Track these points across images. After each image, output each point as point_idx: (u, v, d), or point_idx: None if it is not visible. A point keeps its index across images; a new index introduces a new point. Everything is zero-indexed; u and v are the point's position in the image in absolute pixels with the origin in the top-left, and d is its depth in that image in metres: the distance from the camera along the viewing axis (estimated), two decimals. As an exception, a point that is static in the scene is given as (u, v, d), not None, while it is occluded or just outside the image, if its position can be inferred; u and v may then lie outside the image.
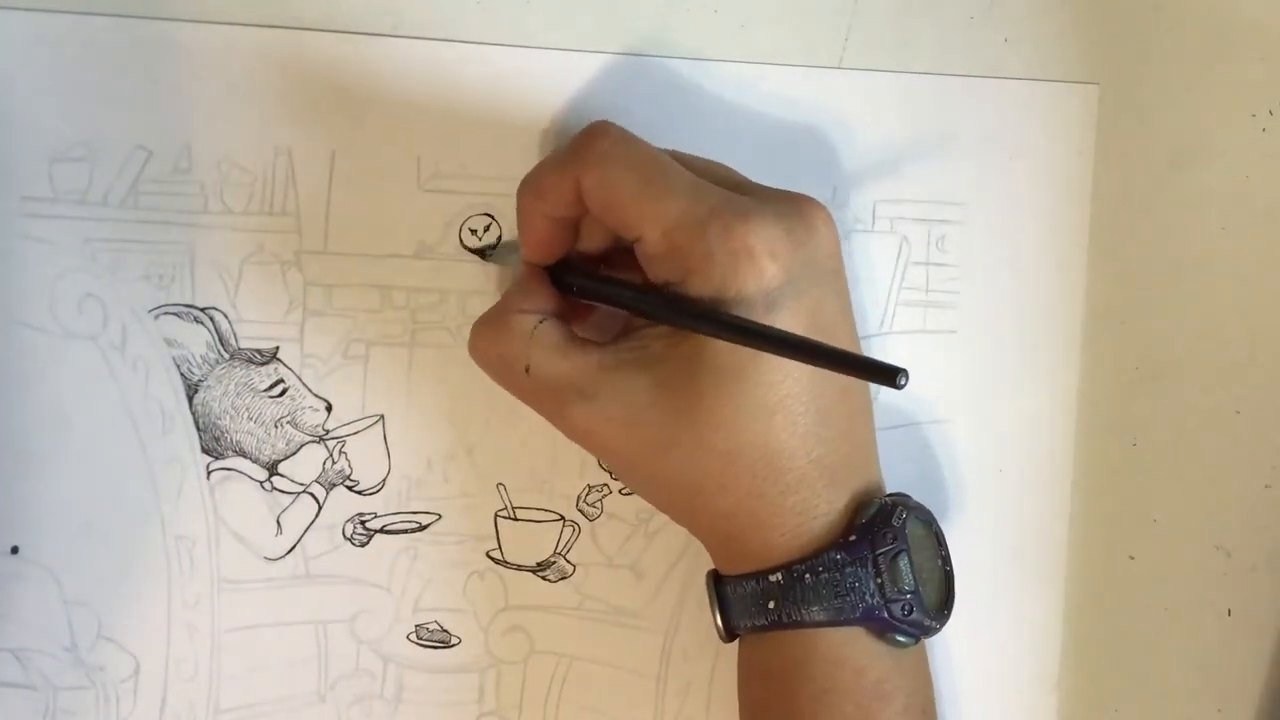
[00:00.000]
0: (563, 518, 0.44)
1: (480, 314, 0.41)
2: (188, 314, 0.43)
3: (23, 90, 0.42)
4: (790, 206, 0.38)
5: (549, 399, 0.39)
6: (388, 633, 0.44)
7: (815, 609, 0.38)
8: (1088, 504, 0.46)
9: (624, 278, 0.40)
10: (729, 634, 0.40)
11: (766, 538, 0.38)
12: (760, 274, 0.36)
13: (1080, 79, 0.45)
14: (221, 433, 0.43)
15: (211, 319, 0.43)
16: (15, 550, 0.43)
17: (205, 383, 0.43)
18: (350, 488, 0.44)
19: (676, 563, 0.45)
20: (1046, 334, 0.45)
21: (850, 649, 0.38)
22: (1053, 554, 0.46)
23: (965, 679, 0.46)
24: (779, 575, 0.38)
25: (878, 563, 0.38)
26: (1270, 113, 0.46)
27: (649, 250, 0.38)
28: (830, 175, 0.44)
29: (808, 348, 0.35)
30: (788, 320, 0.37)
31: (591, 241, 0.41)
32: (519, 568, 0.44)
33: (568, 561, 0.45)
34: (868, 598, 0.38)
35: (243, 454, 0.43)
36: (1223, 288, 0.46)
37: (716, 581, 0.41)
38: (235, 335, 0.43)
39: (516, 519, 0.44)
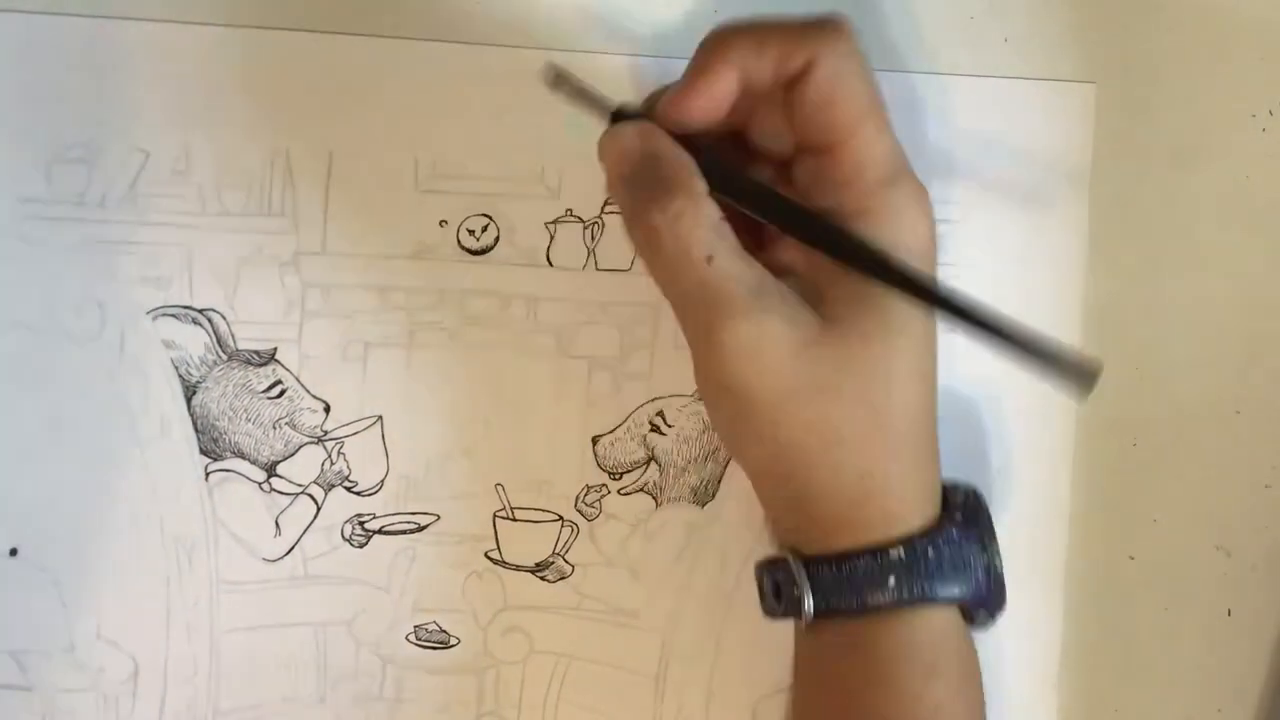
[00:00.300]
0: (561, 518, 0.44)
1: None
2: (186, 315, 0.43)
3: (20, 92, 0.42)
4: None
5: (718, 303, 0.35)
6: (387, 633, 0.44)
7: (948, 585, 0.37)
8: (1088, 504, 0.46)
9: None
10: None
11: (890, 506, 0.37)
12: (925, 249, 0.37)
13: (1078, 78, 0.45)
14: (220, 434, 0.43)
15: (209, 320, 0.43)
16: (14, 552, 0.43)
17: (203, 384, 0.43)
18: (349, 489, 0.44)
19: (675, 562, 0.45)
20: (1046, 331, 0.45)
21: (954, 627, 0.38)
22: (1053, 554, 0.46)
23: None
24: (899, 550, 0.36)
25: (985, 542, 0.38)
26: (1270, 113, 0.46)
27: (829, 170, 0.36)
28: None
29: (1002, 329, 0.34)
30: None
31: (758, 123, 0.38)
32: (518, 568, 0.44)
33: (566, 562, 0.45)
34: (979, 575, 0.37)
35: (241, 455, 0.43)
36: (1222, 287, 0.46)
37: (807, 562, 0.37)
38: (233, 336, 0.43)
39: (515, 519, 0.44)
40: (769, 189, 0.37)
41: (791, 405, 0.36)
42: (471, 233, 0.44)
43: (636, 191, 0.36)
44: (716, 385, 0.37)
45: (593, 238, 0.44)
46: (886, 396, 0.36)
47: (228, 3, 0.42)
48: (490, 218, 0.44)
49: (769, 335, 0.35)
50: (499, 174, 0.43)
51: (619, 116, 0.37)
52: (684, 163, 0.36)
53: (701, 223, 0.35)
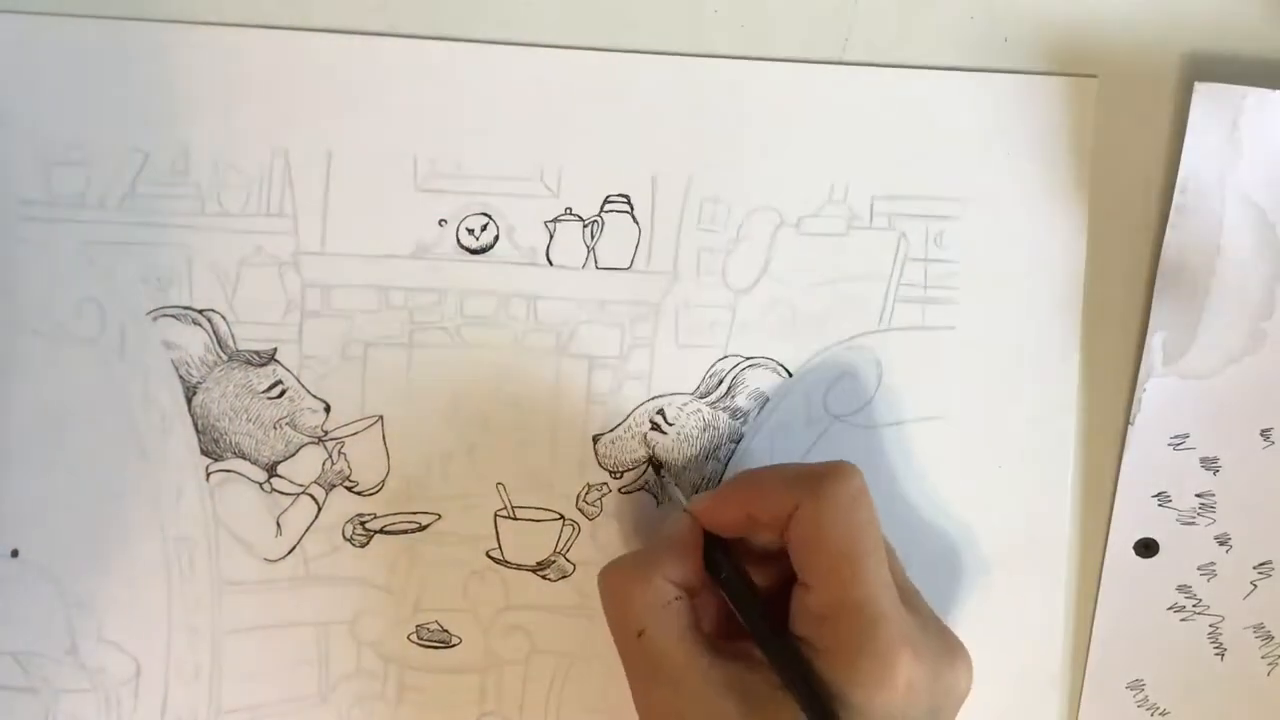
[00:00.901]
0: (562, 517, 0.44)
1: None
2: (186, 316, 0.43)
3: (19, 94, 0.42)
4: (945, 647, 0.39)
5: (644, 669, 0.39)
6: (388, 633, 0.44)
7: None
8: (1089, 498, 0.46)
9: (762, 602, 0.39)
10: None
11: None
12: (889, 701, 0.36)
13: (1079, 72, 0.45)
14: (220, 434, 0.43)
15: (209, 321, 0.43)
16: (15, 553, 0.43)
17: (204, 385, 0.43)
18: (349, 488, 0.44)
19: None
20: (1046, 329, 0.45)
21: None
22: (1055, 548, 0.46)
23: (975, 669, 0.46)
24: None
25: None
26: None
27: (809, 604, 0.38)
28: (828, 171, 0.44)
29: None
30: None
31: (761, 539, 0.41)
32: (519, 567, 0.44)
33: (568, 560, 0.45)
34: None
35: (242, 455, 0.43)
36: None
37: None
38: (233, 337, 0.43)
39: (516, 518, 0.44)
40: (750, 600, 0.39)
41: None
42: (471, 232, 0.44)
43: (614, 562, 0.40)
44: None
45: (592, 236, 0.44)
46: None
47: (224, 4, 0.42)
48: (490, 216, 0.44)
49: (676, 714, 0.37)
50: (498, 173, 0.43)
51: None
52: (668, 552, 0.40)
53: (646, 602, 0.38)
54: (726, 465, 0.45)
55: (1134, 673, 0.46)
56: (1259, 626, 0.46)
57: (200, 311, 0.43)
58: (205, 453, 0.43)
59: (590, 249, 0.44)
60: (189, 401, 0.43)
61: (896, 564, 0.41)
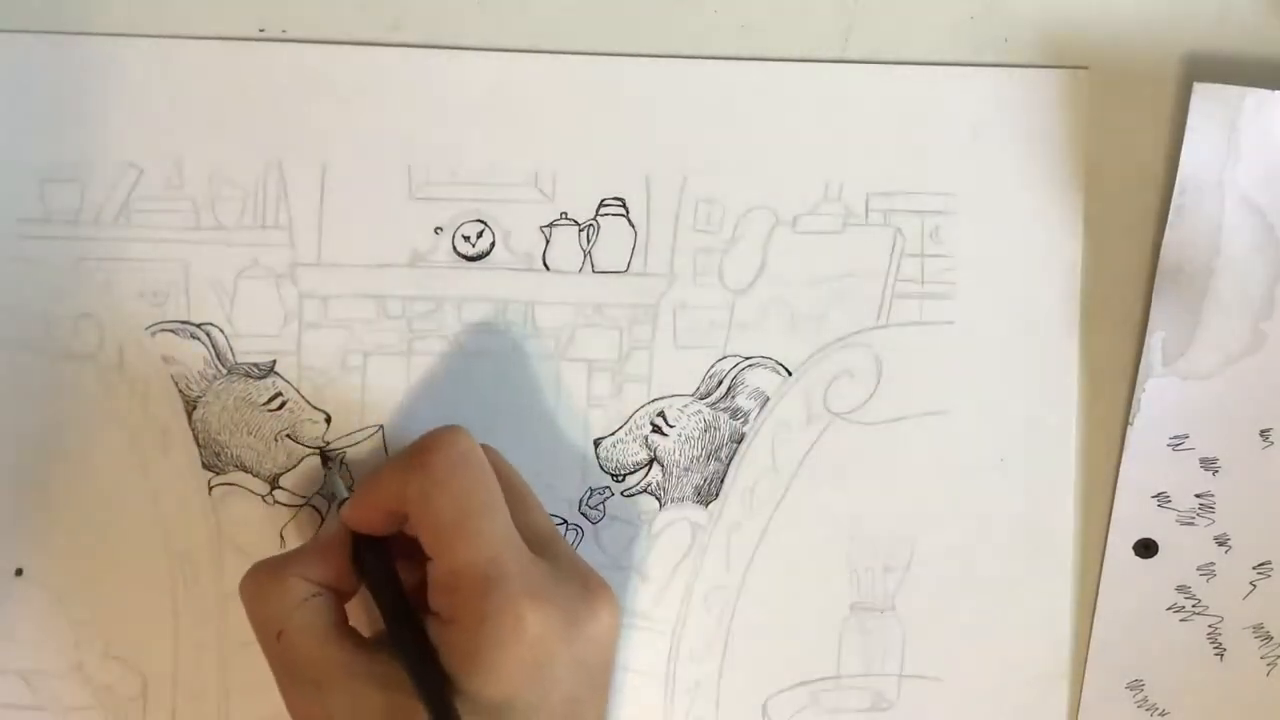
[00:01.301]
0: (565, 521, 0.44)
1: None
2: (184, 330, 0.43)
3: (11, 112, 0.42)
4: (582, 592, 0.38)
5: (286, 669, 0.38)
6: (394, 642, 0.44)
7: None
8: (1089, 499, 0.46)
9: (406, 592, 0.39)
10: None
11: None
12: (520, 657, 0.36)
13: (1071, 64, 0.45)
14: (221, 448, 0.43)
15: (208, 335, 0.43)
16: (20, 572, 0.43)
17: (204, 399, 0.43)
18: (352, 499, 0.44)
19: (681, 562, 0.45)
20: (1045, 321, 0.45)
21: None
22: (1059, 541, 0.46)
23: (974, 669, 0.46)
24: None
25: None
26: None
27: (434, 576, 0.38)
28: (822, 169, 0.44)
29: None
30: (532, 703, 0.36)
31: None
32: (524, 573, 0.44)
33: (572, 565, 0.45)
34: None
35: (244, 468, 0.43)
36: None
37: None
38: (232, 350, 0.43)
39: (519, 524, 0.44)
40: (385, 589, 0.39)
41: None
42: (467, 239, 0.44)
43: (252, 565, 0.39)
44: None
45: (588, 240, 0.44)
46: None
47: (217, 16, 0.42)
48: (485, 223, 0.44)
49: (320, 714, 0.37)
50: (492, 179, 0.43)
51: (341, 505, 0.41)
52: (304, 551, 0.40)
53: (280, 602, 0.38)
54: (728, 465, 0.45)
55: (1133, 673, 0.46)
56: (1258, 627, 0.46)
57: (198, 325, 0.43)
58: (207, 466, 0.43)
59: (586, 253, 0.44)
60: (189, 416, 0.43)
61: (533, 511, 0.41)
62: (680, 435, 0.45)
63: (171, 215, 0.43)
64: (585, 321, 0.44)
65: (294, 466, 0.43)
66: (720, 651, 0.45)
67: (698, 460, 0.45)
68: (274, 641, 0.38)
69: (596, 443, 0.44)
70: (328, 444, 0.43)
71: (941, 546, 0.45)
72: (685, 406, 0.45)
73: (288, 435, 0.43)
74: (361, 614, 0.41)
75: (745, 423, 0.45)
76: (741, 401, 0.45)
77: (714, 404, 0.45)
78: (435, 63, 0.43)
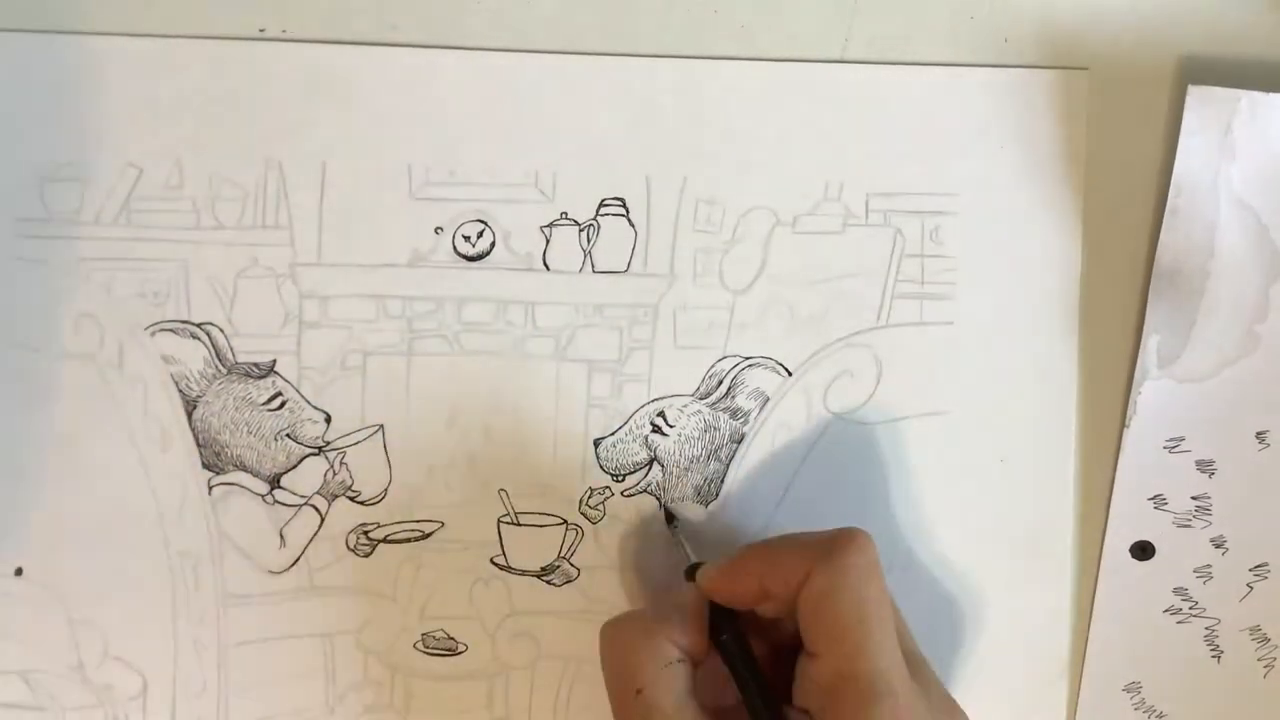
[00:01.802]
0: (565, 521, 0.44)
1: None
2: (184, 330, 0.43)
3: (11, 111, 0.42)
4: (945, 710, 0.39)
5: None
6: (394, 642, 0.44)
7: None
8: (1085, 501, 0.46)
9: (763, 677, 0.39)
10: None
11: None
12: None
13: (1070, 65, 0.45)
14: (222, 448, 0.43)
15: (208, 334, 0.43)
16: (19, 572, 0.43)
17: (204, 398, 0.43)
18: (352, 498, 0.44)
19: (681, 562, 0.45)
20: (1044, 321, 0.45)
21: None
22: (1059, 541, 0.46)
23: (974, 668, 0.46)
24: None
25: None
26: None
27: (814, 673, 0.38)
28: (822, 169, 0.44)
29: None
30: None
31: (769, 610, 0.40)
32: (523, 573, 0.44)
33: (572, 565, 0.45)
34: None
35: (243, 468, 0.43)
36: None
37: None
38: (232, 350, 0.43)
39: (519, 524, 0.44)
40: (749, 669, 0.39)
41: None
42: (467, 239, 0.44)
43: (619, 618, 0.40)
44: None
45: (589, 240, 0.44)
46: None
47: (214, 17, 0.42)
48: (485, 223, 0.44)
49: None
50: (492, 179, 0.43)
51: (691, 573, 0.41)
52: (674, 615, 0.39)
53: (648, 661, 0.38)
54: (728, 465, 0.45)
55: (1131, 675, 0.46)
56: (1255, 628, 0.46)
57: (198, 325, 0.43)
58: (207, 466, 0.43)
59: (587, 253, 0.44)
60: (189, 415, 0.43)
61: (906, 634, 0.41)
62: (680, 435, 0.45)
63: (171, 215, 0.43)
64: (585, 321, 0.44)
65: (294, 466, 0.43)
66: (720, 652, 0.45)
67: (698, 460, 0.45)
68: (631, 697, 0.38)
69: (596, 443, 0.44)
70: (327, 443, 0.43)
71: (942, 546, 0.45)
72: (685, 406, 0.45)
73: (287, 435, 0.43)
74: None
75: (745, 423, 0.45)
76: (741, 401, 0.45)
77: (714, 404, 0.45)
78: (436, 62, 0.43)
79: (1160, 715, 0.46)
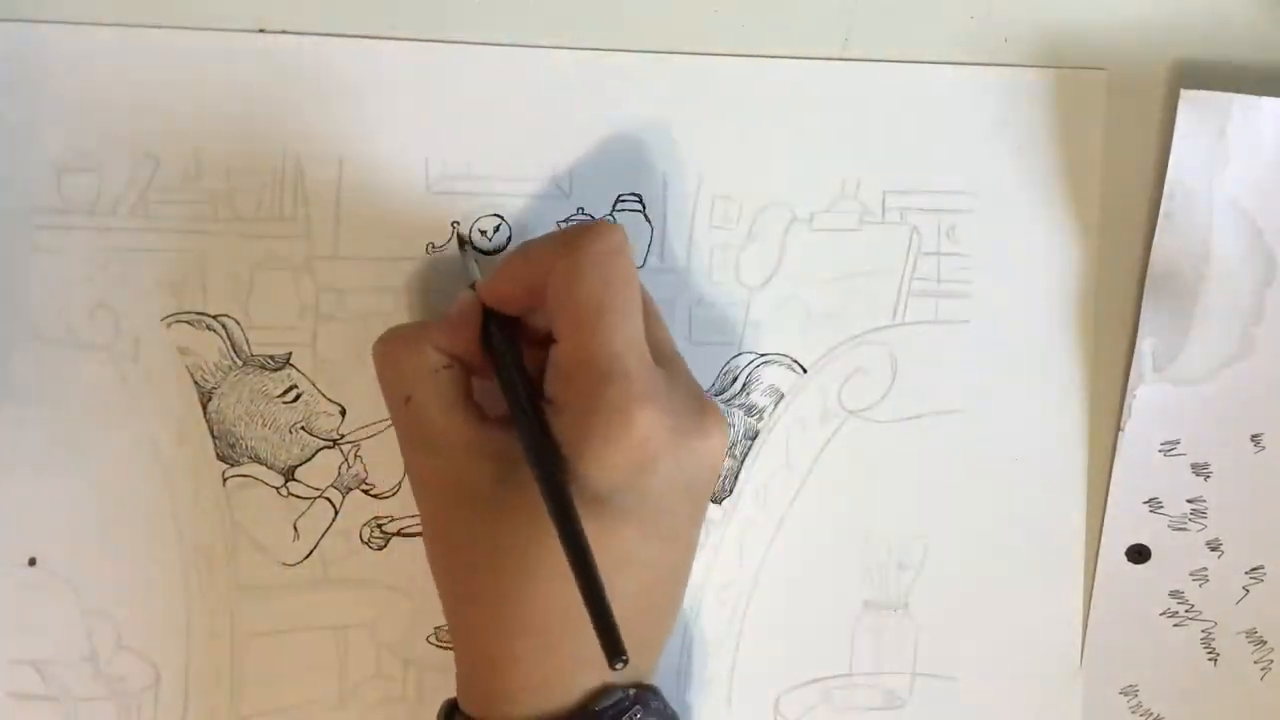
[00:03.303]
0: (580, 517, 0.44)
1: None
2: (200, 322, 0.43)
3: (29, 101, 0.42)
4: (695, 409, 0.38)
5: (410, 434, 0.39)
6: (407, 635, 0.44)
7: None
8: (1088, 494, 0.46)
9: (526, 373, 0.39)
10: None
11: (517, 678, 0.37)
12: (625, 456, 0.36)
13: (1086, 65, 0.45)
14: (237, 439, 0.43)
15: (224, 326, 0.43)
16: (33, 562, 0.43)
17: (219, 390, 0.43)
18: (366, 491, 0.44)
19: (694, 559, 0.45)
20: (1060, 321, 0.45)
21: None
22: (1072, 539, 0.46)
23: (987, 668, 0.46)
24: None
25: None
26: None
27: (557, 359, 0.38)
28: (839, 167, 0.44)
29: (585, 580, 0.34)
30: (629, 502, 0.37)
31: (541, 320, 0.40)
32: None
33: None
34: None
35: (258, 460, 0.43)
36: (1235, 271, 0.46)
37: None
38: (248, 342, 0.43)
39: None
40: (509, 366, 0.39)
41: (452, 539, 0.39)
42: (484, 233, 0.43)
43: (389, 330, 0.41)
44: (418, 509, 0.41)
45: (604, 235, 0.44)
46: (539, 581, 0.37)
47: (234, 8, 0.42)
48: (501, 217, 0.43)
49: (438, 477, 0.39)
50: (509, 174, 0.43)
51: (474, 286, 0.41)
52: (441, 323, 0.40)
53: (413, 369, 0.39)
54: (742, 462, 0.45)
55: (1127, 679, 0.46)
56: (1251, 631, 0.46)
57: (214, 317, 0.43)
58: (221, 458, 0.43)
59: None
60: (204, 407, 0.43)
61: (661, 328, 0.41)
62: (695, 431, 0.45)
63: (189, 206, 0.42)
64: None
65: (309, 458, 0.43)
66: (733, 648, 0.45)
67: (712, 456, 0.45)
68: (402, 405, 0.39)
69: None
70: (342, 436, 0.43)
71: (955, 544, 0.45)
72: (700, 402, 0.44)
73: (302, 428, 0.43)
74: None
75: (760, 419, 0.45)
76: (756, 398, 0.45)
77: (729, 400, 0.45)
78: (450, 58, 0.43)
79: (1158, 718, 0.46)
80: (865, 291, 0.45)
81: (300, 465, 0.43)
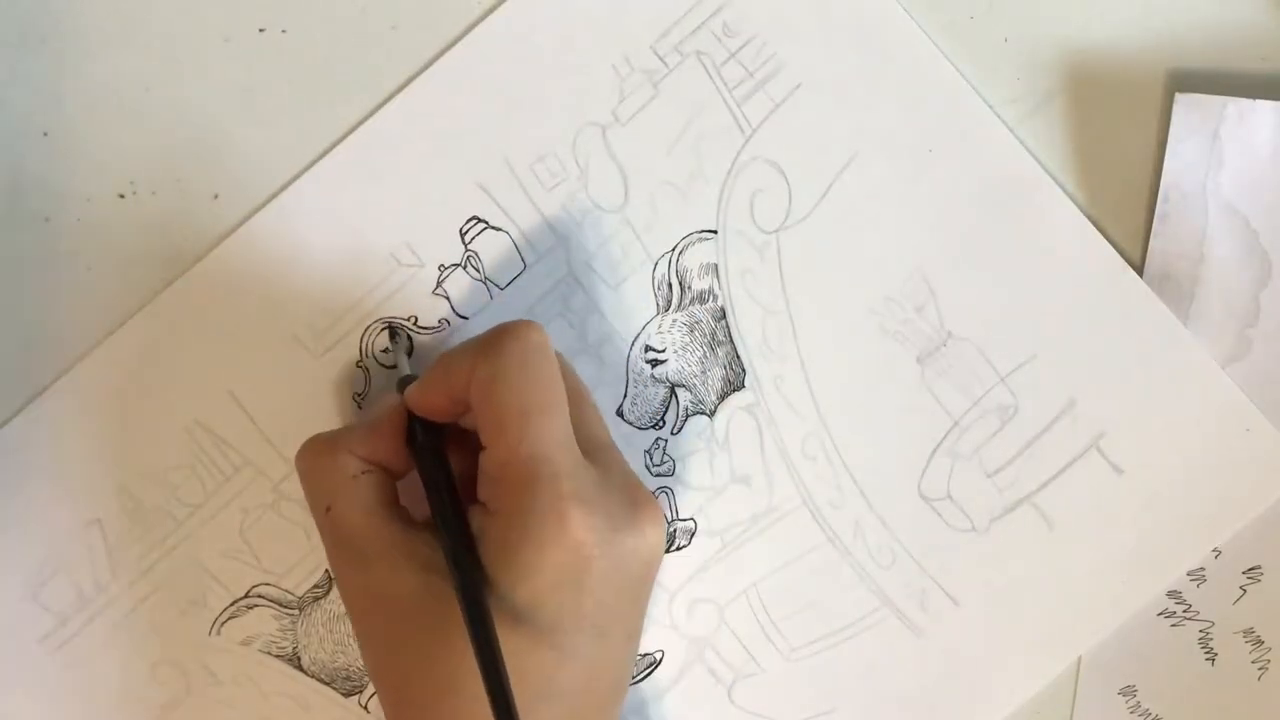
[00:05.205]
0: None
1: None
2: (240, 609, 0.43)
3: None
4: (628, 503, 0.38)
5: (333, 543, 0.39)
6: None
7: None
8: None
9: (452, 479, 0.39)
10: None
11: None
12: (559, 559, 0.36)
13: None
14: (345, 670, 0.43)
15: (261, 596, 0.43)
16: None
17: (301, 644, 0.43)
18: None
19: (762, 443, 0.45)
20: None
21: None
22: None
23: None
24: None
25: None
26: None
27: (485, 465, 0.38)
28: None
29: (495, 698, 0.34)
30: (564, 607, 0.36)
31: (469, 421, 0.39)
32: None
33: (683, 521, 0.45)
34: None
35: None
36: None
37: None
38: (289, 592, 0.43)
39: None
40: (434, 473, 0.39)
41: (379, 648, 0.38)
42: (386, 350, 0.44)
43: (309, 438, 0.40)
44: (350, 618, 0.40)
45: (479, 271, 0.44)
46: (452, 682, 0.36)
47: (214, 16, 0.42)
48: (388, 324, 0.43)
49: (362, 590, 0.38)
50: (364, 294, 0.43)
51: (403, 384, 0.41)
52: (359, 428, 0.39)
53: (331, 476, 0.39)
54: (732, 340, 0.45)
55: (1125, 679, 0.46)
56: (1249, 631, 0.46)
57: (247, 595, 0.43)
58: (349, 694, 0.43)
59: (485, 281, 0.44)
60: (302, 669, 0.43)
61: (593, 420, 0.41)
62: (675, 351, 0.45)
63: (149, 534, 0.43)
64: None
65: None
66: (851, 485, 0.45)
67: (706, 358, 0.45)
68: (324, 515, 0.38)
69: (620, 413, 0.44)
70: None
71: (951, 262, 0.45)
72: (660, 325, 0.44)
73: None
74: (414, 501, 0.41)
75: (716, 298, 0.45)
76: (699, 284, 0.44)
77: (680, 305, 0.45)
78: (257, 229, 0.43)
79: (1156, 718, 0.46)
80: (703, 135, 0.44)
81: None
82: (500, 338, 0.38)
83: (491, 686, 0.34)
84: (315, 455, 0.39)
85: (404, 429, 0.39)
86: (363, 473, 0.39)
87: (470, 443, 0.39)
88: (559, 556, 0.36)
